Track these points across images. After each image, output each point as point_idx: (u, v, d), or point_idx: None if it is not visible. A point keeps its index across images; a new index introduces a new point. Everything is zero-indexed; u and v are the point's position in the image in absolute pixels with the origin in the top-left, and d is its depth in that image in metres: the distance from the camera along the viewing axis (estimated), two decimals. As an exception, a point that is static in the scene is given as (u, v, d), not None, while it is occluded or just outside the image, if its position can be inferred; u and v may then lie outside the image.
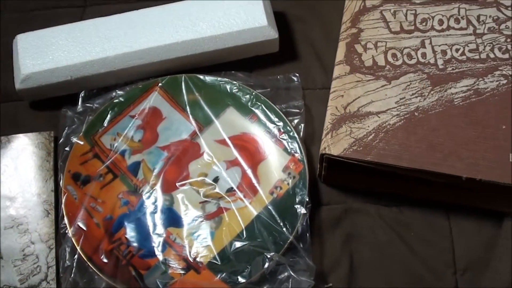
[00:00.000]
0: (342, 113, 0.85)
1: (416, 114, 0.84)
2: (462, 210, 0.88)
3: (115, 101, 0.92)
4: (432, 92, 0.87)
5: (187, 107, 0.93)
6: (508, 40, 0.91)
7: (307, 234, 0.83)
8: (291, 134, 0.89)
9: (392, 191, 0.89)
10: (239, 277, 0.81)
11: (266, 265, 0.81)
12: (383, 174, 0.85)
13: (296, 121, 0.92)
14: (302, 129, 0.92)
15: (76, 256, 0.82)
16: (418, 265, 0.85)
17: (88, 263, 0.81)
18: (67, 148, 0.90)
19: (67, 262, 0.82)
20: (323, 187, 0.90)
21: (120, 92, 0.93)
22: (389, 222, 0.88)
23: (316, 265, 0.84)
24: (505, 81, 0.87)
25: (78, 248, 0.82)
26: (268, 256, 0.81)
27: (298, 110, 0.93)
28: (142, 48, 0.93)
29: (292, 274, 0.82)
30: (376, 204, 0.89)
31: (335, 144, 0.83)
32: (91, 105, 0.94)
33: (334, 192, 0.90)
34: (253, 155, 0.90)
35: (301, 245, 0.83)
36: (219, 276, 0.82)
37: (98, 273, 0.80)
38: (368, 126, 0.83)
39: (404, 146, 0.82)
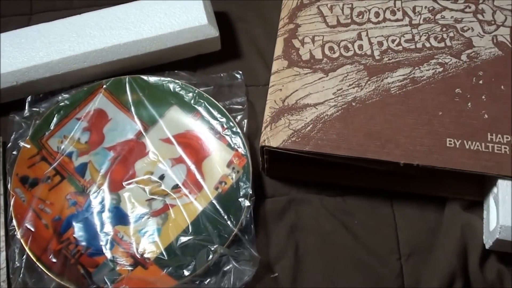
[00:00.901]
0: (281, 106, 0.86)
1: (353, 104, 0.85)
2: (405, 197, 0.88)
3: (61, 104, 0.92)
4: (369, 82, 0.89)
5: (132, 108, 0.94)
6: (444, 29, 0.93)
7: (251, 226, 0.84)
8: (234, 129, 0.90)
9: (335, 181, 0.89)
10: (184, 270, 0.81)
11: (210, 257, 0.81)
12: (324, 164, 0.87)
13: (239, 117, 0.93)
14: (245, 125, 0.92)
15: (24, 257, 0.82)
16: (362, 252, 0.85)
17: (37, 263, 0.81)
18: (14, 152, 0.89)
19: (16, 263, 0.82)
20: (267, 180, 0.91)
21: (65, 96, 0.94)
22: (333, 211, 0.88)
23: (261, 256, 0.84)
24: (441, 69, 0.89)
25: (26, 248, 0.81)
26: (212, 249, 0.81)
27: (241, 106, 0.94)
28: (85, 51, 0.93)
29: (235, 264, 0.82)
30: (319, 194, 0.89)
31: (274, 136, 0.84)
32: (38, 109, 0.93)
33: (278, 184, 0.90)
34: (198, 152, 0.90)
35: (246, 237, 0.83)
36: (165, 270, 0.82)
37: (47, 272, 0.80)
38: (306, 118, 0.84)
39: (342, 135, 0.83)
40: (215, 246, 0.82)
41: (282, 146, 0.82)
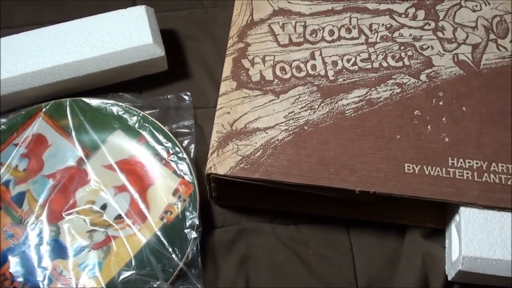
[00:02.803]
0: (229, 130, 0.81)
1: (305, 128, 0.81)
2: (363, 225, 0.85)
3: (-3, 129, 0.88)
4: (322, 104, 0.84)
5: (73, 133, 0.89)
6: (402, 47, 0.89)
7: (198, 259, 0.80)
8: (181, 155, 0.86)
9: (288, 208, 0.85)
10: (126, 308, 0.78)
11: None
12: (276, 191, 0.82)
13: (186, 141, 0.89)
14: (192, 150, 0.88)
15: (-46, 296, 0.79)
16: (317, 284, 0.81)
17: (-32, 302, 0.77)
18: None
19: None
20: (216, 209, 0.86)
21: (2, 120, 0.88)
22: (286, 241, 0.84)
23: (209, 291, 0.79)
24: (399, 90, 0.85)
25: (-44, 287, 0.78)
26: (155, 286, 0.77)
27: (188, 130, 0.90)
28: (23, 73, 0.88)
29: None
30: (272, 223, 0.85)
31: (221, 163, 0.79)
32: (-27, 135, 0.89)
33: (228, 213, 0.86)
34: (142, 180, 0.86)
35: (192, 271, 0.79)
36: (106, 308, 0.79)
37: (-21, 313, 0.76)
38: (256, 143, 0.80)
39: (293, 161, 0.78)
40: (158, 282, 0.78)
41: (230, 173, 0.77)
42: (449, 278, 0.79)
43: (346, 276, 0.82)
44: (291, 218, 0.86)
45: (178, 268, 0.79)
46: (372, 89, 0.86)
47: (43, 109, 0.90)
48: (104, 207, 0.86)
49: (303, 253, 0.84)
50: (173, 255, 0.80)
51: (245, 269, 0.83)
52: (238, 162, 0.79)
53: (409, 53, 0.89)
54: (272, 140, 0.80)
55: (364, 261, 0.83)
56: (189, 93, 0.94)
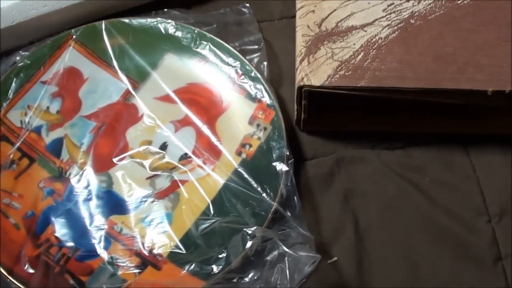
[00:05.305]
0: (317, 32, 0.68)
1: (412, 21, 0.69)
2: (483, 141, 0.73)
3: (19, 65, 0.76)
4: (426, -9, 0.71)
5: (114, 61, 0.77)
6: None
7: (295, 197, 0.67)
8: (253, 75, 0.73)
9: (393, 129, 0.73)
10: (213, 266, 0.65)
11: (249, 244, 0.64)
12: (380, 106, 0.69)
13: (256, 59, 0.76)
14: (265, 68, 0.76)
15: (-8, 271, 0.65)
16: (441, 216, 0.69)
17: (9, 277, 0.64)
18: (-36, 133, 0.73)
19: (-18, 280, 0.65)
20: (303, 137, 0.74)
21: (24, 53, 0.77)
22: (396, 168, 0.72)
23: (312, 236, 0.65)
24: (520, -35, 0.73)
25: (-8, 260, 0.65)
26: (249, 232, 0.64)
27: (256, 46, 0.77)
28: (45, -8, 0.76)
29: (287, 250, 0.63)
30: (374, 148, 0.73)
31: (314, 72, 0.66)
32: (-11, 75, 0.76)
33: (319, 141, 0.74)
34: (208, 109, 0.74)
35: (289, 213, 0.66)
36: (186, 268, 0.65)
37: (23, 288, 0.64)
38: (354, 44, 0.67)
39: (405, 62, 0.66)
40: (252, 229, 0.64)
41: (328, 83, 0.65)
42: None
43: (473, 204, 0.71)
44: (396, 141, 0.74)
45: (272, 210, 0.66)
46: (486, -33, 0.73)
47: (73, 36, 0.78)
48: (164, 146, 0.73)
49: (419, 181, 0.72)
50: (264, 195, 0.67)
51: (350, 206, 0.70)
52: (337, 69, 0.66)
53: None
54: (374, 39, 0.68)
55: (492, 185, 0.71)
56: (247, 5, 0.81)
